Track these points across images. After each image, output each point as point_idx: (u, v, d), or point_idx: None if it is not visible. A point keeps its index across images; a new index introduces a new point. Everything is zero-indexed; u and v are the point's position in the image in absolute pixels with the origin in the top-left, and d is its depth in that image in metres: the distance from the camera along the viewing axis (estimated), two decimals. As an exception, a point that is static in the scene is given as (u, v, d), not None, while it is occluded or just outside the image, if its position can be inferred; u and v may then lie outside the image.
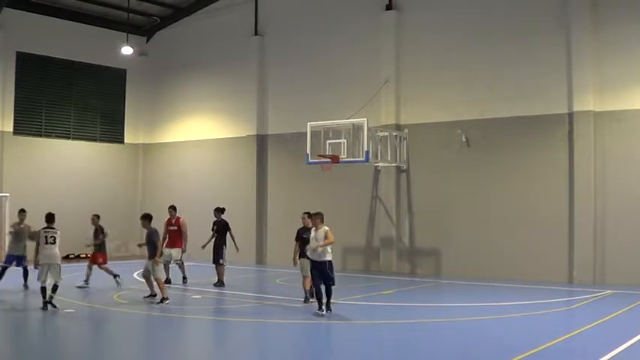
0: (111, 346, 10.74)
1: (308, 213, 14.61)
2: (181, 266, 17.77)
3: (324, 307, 13.14)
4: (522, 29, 19.29)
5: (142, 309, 14.07)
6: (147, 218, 15.01)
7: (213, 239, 17.41)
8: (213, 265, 17.43)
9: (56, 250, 13.97)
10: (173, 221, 17.52)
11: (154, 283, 14.69)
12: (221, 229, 17.43)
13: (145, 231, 14.98)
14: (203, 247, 17.48)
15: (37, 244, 13.98)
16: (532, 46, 19.12)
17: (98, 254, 16.87)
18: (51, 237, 13.95)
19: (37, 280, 13.80)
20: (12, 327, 12.56)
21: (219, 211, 17.72)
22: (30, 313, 13.88)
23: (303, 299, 14.38)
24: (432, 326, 12.37)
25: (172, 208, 17.78)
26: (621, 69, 17.85)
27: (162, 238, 16.40)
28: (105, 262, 17.02)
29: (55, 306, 13.52)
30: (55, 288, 13.72)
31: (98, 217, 17.03)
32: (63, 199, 24.29)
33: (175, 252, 17.30)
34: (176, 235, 17.38)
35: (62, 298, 14.97)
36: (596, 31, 18.16)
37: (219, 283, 17.18)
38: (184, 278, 17.69)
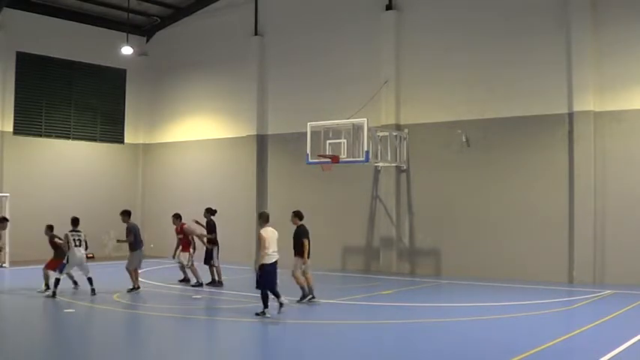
0: (111, 346, 10.74)
1: (294, 212, 14.84)
2: (192, 270, 17.51)
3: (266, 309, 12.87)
4: (522, 29, 19.28)
5: (142, 309, 14.09)
6: (125, 214, 16.46)
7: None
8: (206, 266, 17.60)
9: (82, 251, 15.59)
10: (178, 229, 17.66)
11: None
12: (212, 230, 17.56)
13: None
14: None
15: (68, 246, 15.52)
16: (532, 46, 19.11)
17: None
18: (77, 240, 15.53)
19: (61, 272, 15.43)
20: (12, 327, 12.56)
21: (211, 212, 17.72)
22: (30, 313, 13.90)
23: (300, 298, 14.39)
24: (432, 326, 12.37)
25: (175, 217, 17.80)
26: (621, 69, 17.84)
27: (176, 245, 17.69)
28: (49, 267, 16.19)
29: (94, 292, 15.29)
30: (90, 280, 15.48)
31: (49, 227, 16.43)
32: (63, 199, 24.32)
33: (183, 256, 17.52)
34: (183, 241, 17.57)
35: (62, 298, 15.01)
36: (596, 31, 18.15)
37: (218, 284, 17.22)
38: (199, 283, 17.39)
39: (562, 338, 10.81)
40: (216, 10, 25.94)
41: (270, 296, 12.90)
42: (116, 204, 26.42)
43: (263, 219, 13.43)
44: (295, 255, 14.43)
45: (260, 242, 12.92)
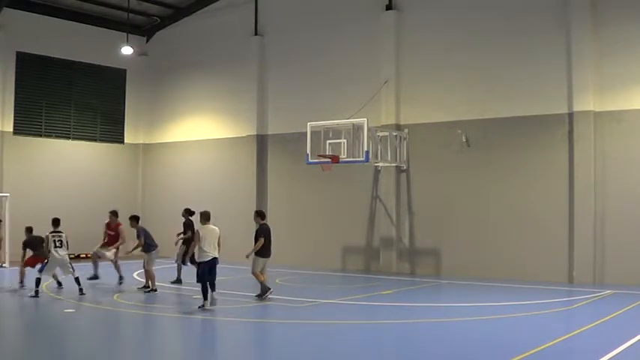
0: (110, 346, 10.74)
1: (256, 211, 15.64)
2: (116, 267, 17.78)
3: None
4: (522, 29, 19.28)
5: (142, 309, 14.09)
6: (133, 219, 16.89)
7: (181, 241, 17.90)
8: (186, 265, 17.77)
9: (63, 253, 15.45)
10: (113, 226, 17.61)
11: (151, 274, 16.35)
12: (187, 230, 17.78)
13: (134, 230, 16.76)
14: (176, 243, 18.04)
15: (48, 248, 15.42)
16: (532, 46, 19.11)
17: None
18: (58, 241, 15.44)
19: (40, 272, 15.31)
20: (11, 327, 12.56)
21: (189, 213, 17.91)
22: (30, 313, 13.90)
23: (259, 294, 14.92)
24: (432, 326, 12.37)
25: (113, 214, 17.71)
26: (621, 69, 17.84)
27: (103, 239, 17.73)
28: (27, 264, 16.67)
29: (82, 292, 15.26)
30: (77, 280, 15.45)
31: (28, 229, 16.76)
32: (63, 199, 24.31)
33: (110, 253, 17.67)
34: (113, 237, 17.55)
35: (62, 298, 15.01)
36: (596, 31, 18.15)
37: (177, 281, 17.52)
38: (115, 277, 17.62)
39: (562, 338, 10.81)
40: (216, 10, 25.94)
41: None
42: (116, 204, 26.39)
43: (204, 218, 14.00)
44: (255, 254, 14.87)
45: (195, 239, 13.75)
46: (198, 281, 13.67)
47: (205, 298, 13.52)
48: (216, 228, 13.94)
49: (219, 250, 13.78)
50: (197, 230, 13.83)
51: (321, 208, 22.81)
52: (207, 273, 13.52)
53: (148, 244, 16.43)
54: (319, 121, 19.86)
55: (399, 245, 21.15)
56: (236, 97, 25.32)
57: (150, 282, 16.23)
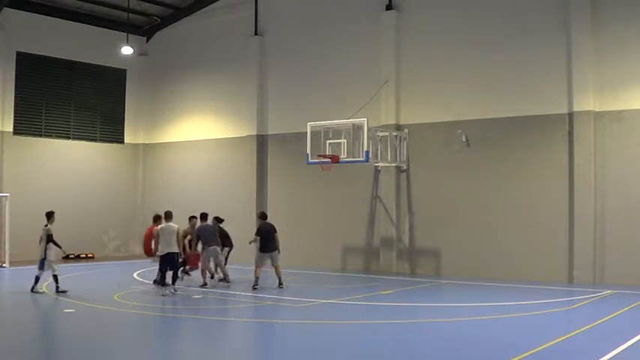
0: (110, 346, 10.73)
1: (260, 212, 17.77)
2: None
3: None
4: (522, 29, 19.28)
5: (142, 309, 14.09)
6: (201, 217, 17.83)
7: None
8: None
9: (40, 249, 15.44)
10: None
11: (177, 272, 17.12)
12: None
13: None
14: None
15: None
16: (532, 46, 19.11)
17: None
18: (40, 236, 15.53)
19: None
20: (12, 327, 12.56)
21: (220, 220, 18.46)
22: (30, 313, 13.90)
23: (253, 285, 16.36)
24: (432, 326, 12.37)
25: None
26: (621, 69, 17.85)
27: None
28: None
29: (33, 289, 15.40)
30: (36, 279, 15.53)
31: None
32: (63, 199, 24.30)
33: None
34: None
35: (62, 298, 15.01)
36: (596, 31, 18.15)
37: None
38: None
39: (562, 338, 10.81)
40: (216, 10, 25.94)
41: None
42: (116, 204, 26.63)
43: (166, 216, 15.73)
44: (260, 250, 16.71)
45: (154, 236, 15.66)
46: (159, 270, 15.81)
47: (163, 283, 15.57)
48: (175, 225, 15.54)
49: (178, 245, 15.54)
50: (157, 228, 15.55)
51: (321, 208, 22.81)
52: (165, 265, 15.40)
53: (203, 242, 17.13)
54: (319, 121, 19.86)
55: (399, 245, 21.16)
56: (236, 97, 25.32)
57: (202, 277, 17.08)
